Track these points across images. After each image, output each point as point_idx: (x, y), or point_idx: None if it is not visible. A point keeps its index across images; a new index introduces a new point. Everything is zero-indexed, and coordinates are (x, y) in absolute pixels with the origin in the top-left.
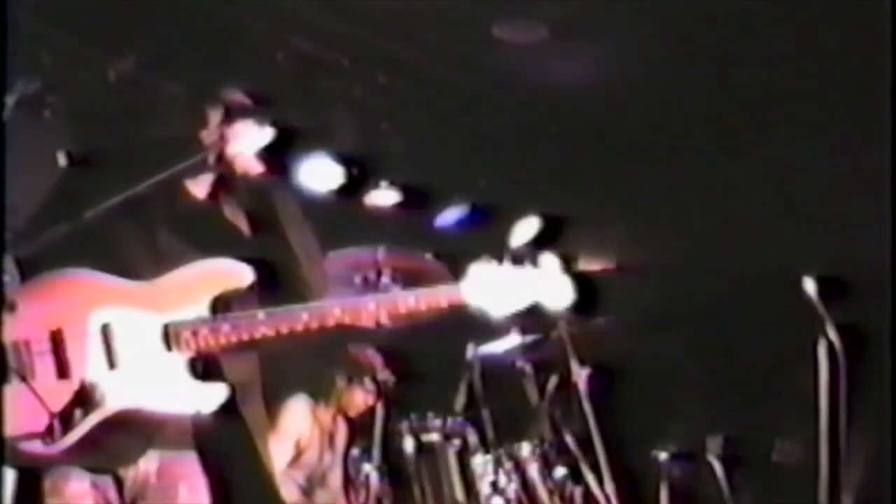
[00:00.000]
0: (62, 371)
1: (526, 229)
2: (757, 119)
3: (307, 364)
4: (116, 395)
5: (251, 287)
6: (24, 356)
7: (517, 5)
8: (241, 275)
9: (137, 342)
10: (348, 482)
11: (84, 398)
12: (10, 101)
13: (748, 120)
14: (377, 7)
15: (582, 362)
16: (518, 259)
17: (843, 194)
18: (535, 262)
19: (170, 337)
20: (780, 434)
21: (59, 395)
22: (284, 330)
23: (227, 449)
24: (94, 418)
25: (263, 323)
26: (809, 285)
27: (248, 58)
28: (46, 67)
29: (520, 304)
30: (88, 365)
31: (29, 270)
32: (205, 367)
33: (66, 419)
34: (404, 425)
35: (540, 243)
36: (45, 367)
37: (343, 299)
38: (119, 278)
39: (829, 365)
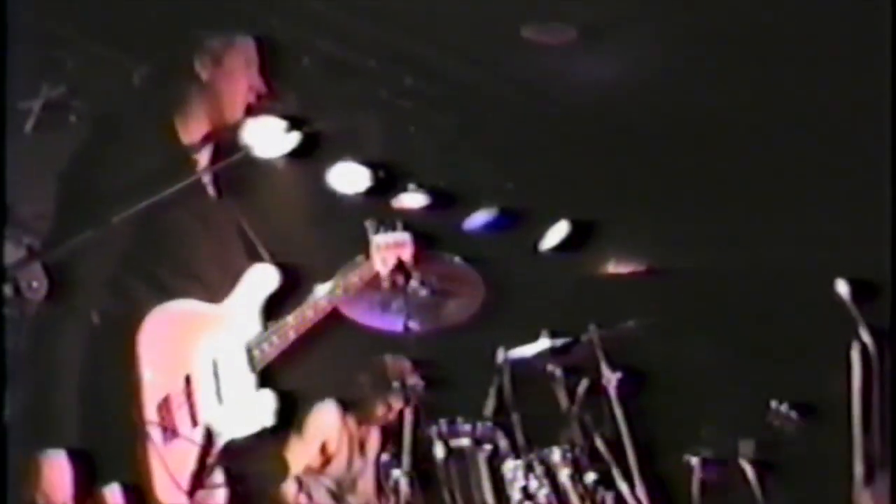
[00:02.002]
0: (194, 419)
1: (556, 233)
2: (789, 123)
3: (335, 370)
4: (226, 431)
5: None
6: (166, 413)
7: (545, 7)
8: (273, 276)
9: (232, 371)
10: (381, 490)
11: (211, 445)
12: (35, 105)
13: (780, 123)
14: (403, 9)
15: (613, 366)
16: (388, 226)
17: (876, 197)
18: (392, 227)
19: (253, 358)
20: (813, 438)
21: (194, 445)
22: (302, 330)
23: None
24: (213, 461)
25: (293, 328)
26: (842, 287)
27: (275, 61)
28: (71, 72)
29: (392, 262)
30: (205, 406)
31: (57, 276)
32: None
33: (201, 470)
34: (434, 431)
35: (570, 247)
36: (182, 418)
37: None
38: (200, 303)
39: (862, 368)
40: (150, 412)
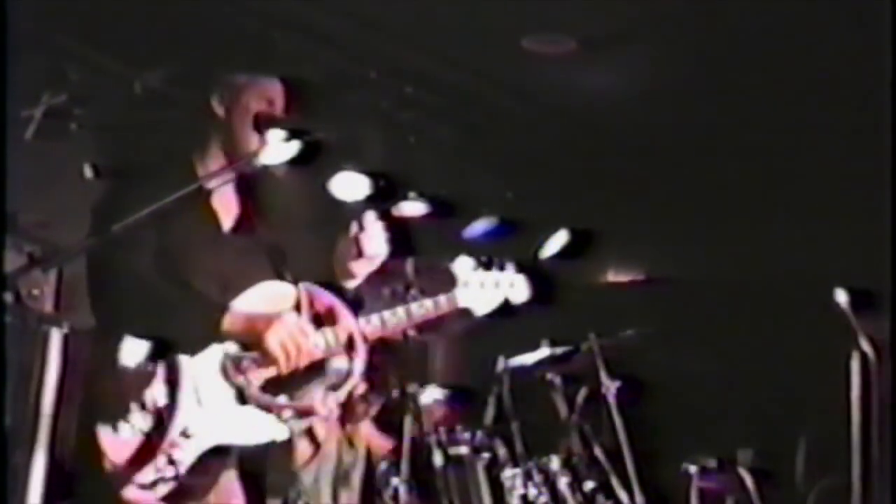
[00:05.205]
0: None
1: (556, 242)
2: (787, 134)
3: None
4: (205, 435)
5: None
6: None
7: (545, 18)
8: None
9: (216, 377)
10: (369, 488)
11: (180, 442)
12: (36, 113)
13: (779, 133)
14: (404, 20)
15: (612, 375)
16: (487, 264)
17: (876, 206)
18: (500, 266)
19: (237, 366)
20: (811, 446)
21: (165, 441)
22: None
23: None
24: (187, 461)
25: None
26: (842, 297)
27: (277, 71)
28: (73, 81)
29: (496, 302)
30: (182, 407)
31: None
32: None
33: (168, 464)
34: (433, 439)
35: (569, 255)
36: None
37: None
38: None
39: (861, 377)
40: None
